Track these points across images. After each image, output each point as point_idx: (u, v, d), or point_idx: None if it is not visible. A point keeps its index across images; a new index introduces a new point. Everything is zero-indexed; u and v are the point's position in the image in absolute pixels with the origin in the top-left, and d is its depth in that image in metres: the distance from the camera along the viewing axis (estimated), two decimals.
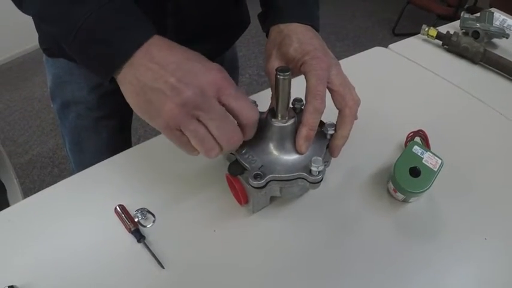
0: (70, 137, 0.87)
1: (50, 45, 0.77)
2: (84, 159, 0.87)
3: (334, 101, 0.52)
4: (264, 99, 0.58)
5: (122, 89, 0.44)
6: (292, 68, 0.50)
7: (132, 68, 0.41)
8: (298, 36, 0.53)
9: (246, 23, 0.86)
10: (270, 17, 0.59)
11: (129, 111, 0.94)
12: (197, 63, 0.41)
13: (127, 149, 0.66)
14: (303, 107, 0.53)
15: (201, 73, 0.40)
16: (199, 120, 0.41)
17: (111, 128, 0.88)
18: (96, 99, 0.81)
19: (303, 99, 0.53)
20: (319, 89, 0.48)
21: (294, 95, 0.52)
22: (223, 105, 0.42)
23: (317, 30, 0.57)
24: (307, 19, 0.56)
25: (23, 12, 0.46)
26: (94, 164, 0.63)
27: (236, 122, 0.44)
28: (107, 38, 0.41)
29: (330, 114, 0.53)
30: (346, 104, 0.51)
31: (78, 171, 0.62)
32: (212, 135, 0.42)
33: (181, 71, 0.40)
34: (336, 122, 0.53)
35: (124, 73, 0.42)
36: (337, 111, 0.52)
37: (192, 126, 0.41)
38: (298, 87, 0.56)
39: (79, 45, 0.42)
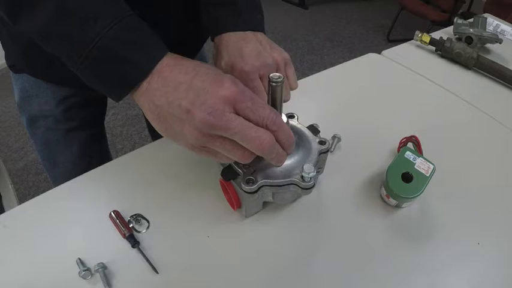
0: (42, 153, 0.85)
1: (16, 61, 0.75)
2: (59, 174, 0.84)
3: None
4: None
5: (145, 113, 0.43)
6: None
7: (149, 93, 0.40)
8: (227, 50, 0.55)
9: (206, 36, 0.85)
10: (210, 31, 0.60)
11: (99, 121, 0.91)
12: (208, 79, 0.40)
13: (103, 158, 0.65)
14: (294, 123, 0.56)
15: (213, 89, 0.39)
16: (223, 137, 0.40)
17: (83, 139, 0.85)
18: (64, 111, 0.79)
19: (295, 114, 0.57)
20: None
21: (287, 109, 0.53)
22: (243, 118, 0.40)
23: (258, 30, 0.58)
24: (240, 26, 0.57)
25: (18, 29, 0.41)
26: (69, 177, 0.62)
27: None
28: (123, 55, 0.39)
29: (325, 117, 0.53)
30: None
31: (56, 185, 0.61)
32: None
33: (193, 91, 0.39)
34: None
35: (142, 99, 0.41)
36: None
37: (217, 143, 0.40)
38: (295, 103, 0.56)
39: (90, 65, 0.40)
